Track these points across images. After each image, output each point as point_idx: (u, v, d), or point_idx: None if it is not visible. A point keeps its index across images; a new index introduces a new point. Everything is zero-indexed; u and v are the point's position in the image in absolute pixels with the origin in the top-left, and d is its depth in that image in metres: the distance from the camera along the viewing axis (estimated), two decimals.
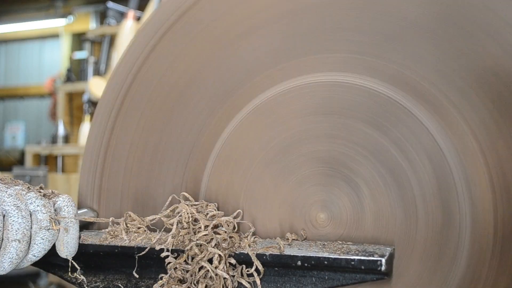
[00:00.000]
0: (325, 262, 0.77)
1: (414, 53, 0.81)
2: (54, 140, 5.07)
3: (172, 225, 0.82)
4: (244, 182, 0.90)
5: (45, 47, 9.28)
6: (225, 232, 0.82)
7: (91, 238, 0.88)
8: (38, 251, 0.79)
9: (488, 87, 0.77)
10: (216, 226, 0.83)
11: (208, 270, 0.79)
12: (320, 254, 0.77)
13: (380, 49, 0.82)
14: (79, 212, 0.88)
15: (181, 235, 0.82)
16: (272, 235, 0.88)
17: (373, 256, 0.75)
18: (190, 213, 0.82)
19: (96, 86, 4.36)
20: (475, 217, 0.78)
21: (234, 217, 0.85)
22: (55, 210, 0.81)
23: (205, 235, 0.80)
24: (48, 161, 5.30)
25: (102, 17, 6.69)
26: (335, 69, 0.85)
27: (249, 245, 0.81)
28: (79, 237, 0.85)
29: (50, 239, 0.79)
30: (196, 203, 0.87)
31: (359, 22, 0.83)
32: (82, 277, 0.87)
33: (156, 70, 0.95)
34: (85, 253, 0.87)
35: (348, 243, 0.82)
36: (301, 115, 0.87)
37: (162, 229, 0.84)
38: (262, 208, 0.89)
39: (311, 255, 0.78)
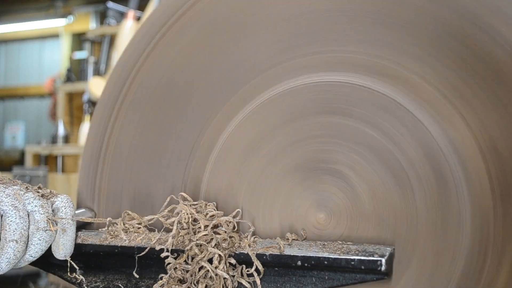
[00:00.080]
0: (325, 262, 0.77)
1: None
2: (54, 140, 5.07)
3: (172, 225, 0.82)
4: (244, 182, 0.90)
5: (45, 47, 9.28)
6: (225, 232, 0.82)
7: (91, 238, 0.87)
8: (35, 251, 0.79)
9: (449, 50, 0.78)
10: (216, 226, 0.83)
11: (208, 270, 0.79)
12: (320, 254, 0.77)
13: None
14: (77, 212, 0.88)
15: (181, 236, 0.82)
16: (272, 235, 0.88)
17: (373, 256, 0.75)
18: (190, 213, 0.82)
19: (96, 86, 4.36)
20: (469, 177, 0.78)
21: (233, 217, 0.85)
22: (53, 210, 0.81)
23: (205, 235, 0.80)
24: (48, 161, 5.30)
25: (102, 17, 6.69)
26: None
27: (249, 245, 0.81)
28: (77, 237, 0.85)
29: (47, 239, 0.79)
30: (195, 203, 0.87)
31: None
32: (81, 277, 0.87)
33: (156, 70, 0.95)
34: (85, 253, 0.87)
35: (348, 243, 0.82)
36: (301, 115, 0.87)
37: (162, 229, 0.84)
38: (262, 208, 0.89)
39: (311, 255, 0.78)
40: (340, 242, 0.83)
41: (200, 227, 0.81)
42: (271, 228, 0.88)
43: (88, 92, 4.66)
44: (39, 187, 0.84)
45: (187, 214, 0.82)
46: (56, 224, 0.80)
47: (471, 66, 0.77)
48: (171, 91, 0.94)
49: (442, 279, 0.79)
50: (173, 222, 0.82)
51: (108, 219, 0.87)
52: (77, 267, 0.84)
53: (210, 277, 0.79)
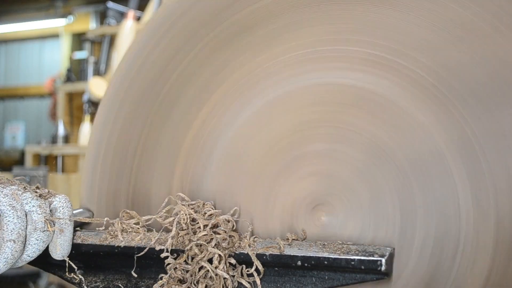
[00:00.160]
0: (325, 262, 0.77)
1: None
2: (54, 140, 5.07)
3: (171, 225, 0.82)
4: (244, 182, 0.90)
5: (45, 47, 9.28)
6: (225, 231, 0.82)
7: (91, 238, 0.87)
8: (32, 251, 0.79)
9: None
10: (215, 226, 0.83)
11: (208, 270, 0.79)
12: (320, 254, 0.77)
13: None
14: (74, 212, 0.88)
15: (180, 236, 0.82)
16: (272, 235, 0.88)
17: (373, 256, 0.75)
18: (188, 214, 0.82)
19: (96, 86, 4.36)
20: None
21: (232, 215, 0.85)
22: (50, 210, 0.81)
23: (204, 235, 0.80)
24: (48, 161, 5.30)
25: (102, 17, 6.69)
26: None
27: (249, 245, 0.81)
28: (75, 237, 0.85)
29: (45, 240, 0.79)
30: (193, 202, 0.87)
31: None
32: (80, 276, 0.87)
33: (155, 70, 0.95)
34: (85, 253, 0.87)
35: (348, 243, 0.82)
36: (301, 114, 0.87)
37: (162, 229, 0.84)
38: (262, 208, 0.89)
39: (311, 255, 0.78)
40: (340, 242, 0.83)
41: (199, 227, 0.81)
42: (270, 228, 0.88)
43: (88, 92, 4.66)
44: (37, 187, 0.84)
45: (186, 214, 0.82)
46: (54, 224, 0.80)
47: None
48: (170, 91, 0.94)
49: None
50: (172, 222, 0.82)
51: (105, 219, 0.87)
52: (75, 267, 0.84)
53: (210, 277, 0.79)
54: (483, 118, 0.77)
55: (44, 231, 0.79)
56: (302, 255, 0.78)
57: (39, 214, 0.78)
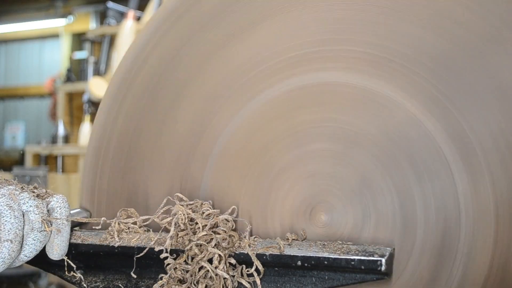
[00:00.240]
0: (325, 262, 0.77)
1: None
2: (54, 140, 5.07)
3: (169, 226, 0.82)
4: (244, 181, 0.90)
5: (45, 47, 9.28)
6: (225, 231, 0.82)
7: (91, 238, 0.87)
8: (29, 251, 0.79)
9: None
10: (215, 225, 0.83)
11: (208, 270, 0.79)
12: (320, 254, 0.77)
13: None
14: (72, 212, 0.88)
15: (180, 237, 0.82)
16: (272, 235, 0.88)
17: (373, 256, 0.75)
18: (186, 214, 0.82)
19: (96, 86, 4.36)
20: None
21: (230, 214, 0.85)
22: (48, 210, 0.81)
23: (204, 235, 0.80)
24: (48, 161, 5.30)
25: (102, 17, 6.69)
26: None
27: (249, 245, 0.81)
28: (72, 237, 0.85)
29: (42, 240, 0.79)
30: (191, 202, 0.87)
31: None
32: (79, 275, 0.87)
33: (155, 70, 0.95)
34: (85, 253, 0.87)
35: (348, 243, 0.82)
36: (302, 114, 0.87)
37: (162, 230, 0.84)
38: (262, 208, 0.89)
39: (311, 255, 0.78)
40: (340, 242, 0.83)
41: (198, 227, 0.81)
42: (271, 228, 0.88)
43: (88, 92, 4.66)
44: (34, 187, 0.84)
45: (184, 214, 0.82)
46: (51, 224, 0.80)
47: None
48: (170, 91, 0.94)
49: None
50: (170, 222, 0.82)
51: (102, 219, 0.87)
52: (74, 266, 0.84)
53: (210, 277, 0.79)
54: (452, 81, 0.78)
55: (41, 231, 0.79)
56: (302, 255, 0.78)
57: (36, 214, 0.78)
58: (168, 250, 0.81)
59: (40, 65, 9.31)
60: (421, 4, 0.80)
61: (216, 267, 0.79)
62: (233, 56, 0.91)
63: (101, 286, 0.88)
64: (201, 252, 0.80)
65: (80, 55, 6.84)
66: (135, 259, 0.83)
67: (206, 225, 0.81)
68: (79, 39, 7.70)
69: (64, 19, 8.03)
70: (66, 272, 0.86)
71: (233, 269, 0.81)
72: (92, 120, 4.50)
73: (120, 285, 0.88)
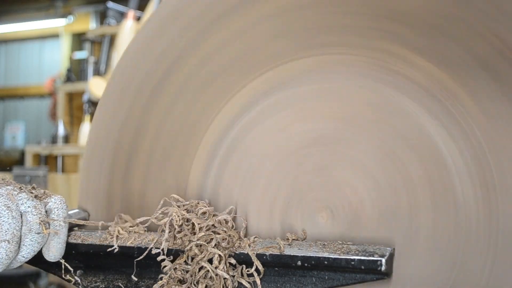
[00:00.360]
0: (325, 262, 0.77)
1: None
2: (54, 140, 5.07)
3: (164, 228, 0.82)
4: (244, 182, 0.90)
5: (45, 47, 9.28)
6: (225, 231, 0.82)
7: (91, 238, 0.87)
8: (27, 252, 0.78)
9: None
10: (213, 225, 0.83)
11: (208, 270, 0.79)
12: (320, 254, 0.77)
13: None
14: (70, 212, 0.87)
15: (179, 238, 0.82)
16: (272, 235, 0.88)
17: (373, 256, 0.75)
18: (181, 215, 0.82)
19: (96, 86, 4.36)
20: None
21: (228, 213, 0.85)
22: (46, 211, 0.81)
23: (204, 235, 0.80)
24: (48, 161, 5.30)
25: (102, 17, 6.69)
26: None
27: (249, 245, 0.81)
28: (74, 237, 0.85)
29: (40, 241, 0.79)
30: (186, 203, 0.87)
31: None
32: (76, 278, 0.87)
33: (155, 70, 0.95)
34: (85, 253, 0.87)
35: (348, 243, 0.82)
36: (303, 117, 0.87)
37: (160, 230, 0.84)
38: (262, 208, 0.89)
39: (311, 255, 0.77)
40: (340, 242, 0.83)
41: (197, 228, 0.81)
42: (271, 228, 0.88)
43: (88, 92, 4.66)
44: (33, 187, 0.84)
45: (178, 215, 0.82)
46: (49, 225, 0.80)
47: None
48: (170, 91, 0.94)
49: None
50: (165, 224, 0.82)
51: (100, 222, 0.86)
52: (71, 269, 0.84)
53: (210, 277, 0.79)
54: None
55: (39, 233, 0.78)
56: (302, 255, 0.78)
57: (34, 215, 0.78)
58: (165, 252, 0.81)
59: (40, 65, 9.30)
60: None
61: (216, 267, 0.79)
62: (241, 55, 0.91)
63: (101, 286, 0.88)
64: (201, 252, 0.80)
65: (80, 55, 6.84)
66: (135, 262, 0.83)
67: (202, 227, 0.81)
68: (79, 39, 7.70)
69: (64, 19, 8.03)
70: (63, 275, 0.86)
71: (233, 269, 0.81)
72: (92, 120, 4.50)
73: (120, 285, 0.87)
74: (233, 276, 0.80)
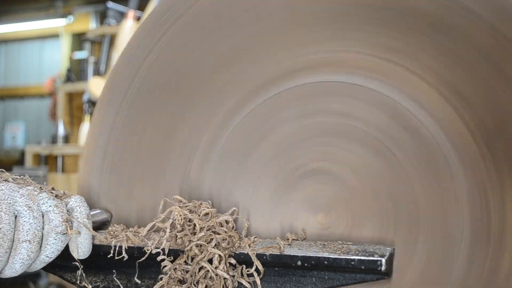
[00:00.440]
0: (325, 262, 0.77)
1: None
2: (54, 140, 5.08)
3: (166, 228, 0.82)
4: (244, 181, 0.90)
5: (45, 47, 9.28)
6: (225, 231, 0.82)
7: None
8: (51, 251, 0.78)
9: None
10: (215, 225, 0.83)
11: (208, 271, 0.79)
12: (320, 254, 0.77)
13: None
14: (92, 213, 0.87)
15: (180, 238, 0.82)
16: (272, 235, 0.88)
17: (373, 256, 0.75)
18: (183, 215, 0.82)
19: (96, 86, 4.36)
20: (444, 126, 0.79)
21: (230, 214, 0.85)
22: (67, 211, 0.81)
23: (204, 235, 0.80)
24: (48, 161, 5.31)
25: (102, 17, 6.69)
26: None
27: (249, 245, 0.81)
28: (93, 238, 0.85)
29: (63, 239, 0.79)
30: (189, 203, 0.87)
31: None
32: (89, 286, 0.87)
33: (156, 70, 0.95)
34: None
35: (348, 243, 0.82)
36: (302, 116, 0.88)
37: (161, 231, 0.84)
38: (263, 208, 0.89)
39: (311, 255, 0.78)
40: (340, 242, 0.83)
41: (196, 228, 0.81)
42: (271, 228, 0.88)
43: (88, 92, 4.66)
44: (52, 188, 0.84)
45: (180, 215, 0.82)
46: (72, 223, 0.80)
47: None
48: (170, 92, 0.94)
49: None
50: (167, 225, 0.82)
51: (104, 232, 0.86)
52: (83, 273, 0.83)
53: (210, 277, 0.79)
54: None
55: (62, 232, 0.78)
56: (302, 255, 0.78)
57: (56, 213, 0.78)
58: (166, 252, 0.81)
59: (40, 65, 9.31)
60: None
61: (216, 267, 0.79)
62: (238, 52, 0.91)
63: (101, 286, 0.88)
64: (201, 253, 0.80)
65: (80, 55, 6.85)
66: (137, 263, 0.83)
67: (203, 227, 0.81)
68: (79, 39, 7.70)
69: (64, 19, 8.04)
70: (78, 282, 0.86)
71: (233, 269, 0.81)
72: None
73: (120, 285, 0.87)
74: (233, 276, 0.80)
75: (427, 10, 0.78)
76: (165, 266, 0.82)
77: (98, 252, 0.86)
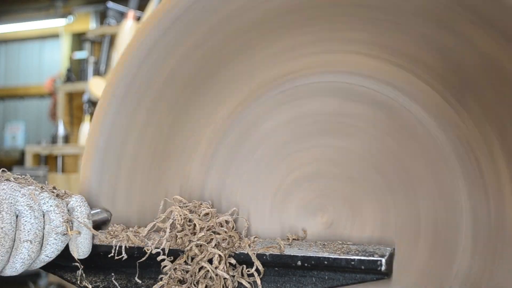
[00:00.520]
0: (325, 262, 0.77)
1: None
2: (54, 140, 5.08)
3: (166, 228, 0.82)
4: (244, 181, 0.90)
5: (45, 47, 9.28)
6: (225, 231, 0.82)
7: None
8: (51, 251, 0.78)
9: None
10: (215, 225, 0.83)
11: (208, 271, 0.79)
12: (320, 254, 0.77)
13: None
14: (92, 212, 0.87)
15: (180, 238, 0.82)
16: (272, 235, 0.88)
17: (373, 256, 0.75)
18: (183, 215, 0.82)
19: (96, 86, 4.36)
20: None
21: (230, 215, 0.85)
22: (68, 210, 0.81)
23: (204, 235, 0.80)
24: (48, 161, 5.31)
25: (102, 17, 6.69)
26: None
27: (249, 245, 0.81)
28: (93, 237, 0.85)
29: (63, 239, 0.79)
30: (189, 203, 0.87)
31: None
32: (89, 286, 0.87)
33: (157, 71, 0.95)
34: None
35: (348, 243, 0.82)
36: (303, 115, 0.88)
37: (161, 231, 0.84)
38: (263, 208, 0.89)
39: (311, 255, 0.78)
40: (340, 242, 0.83)
41: (198, 228, 0.81)
42: (271, 228, 0.88)
43: (88, 92, 4.66)
44: (53, 187, 0.84)
45: (180, 215, 0.82)
46: (72, 223, 0.80)
47: None
48: (172, 92, 0.94)
49: None
50: (167, 225, 0.82)
51: (103, 234, 0.86)
52: (83, 274, 0.83)
53: (210, 277, 0.79)
54: None
55: (63, 232, 0.78)
56: (302, 255, 0.78)
57: (57, 213, 0.78)
58: (166, 252, 0.81)
59: (40, 65, 9.30)
60: None
61: (216, 267, 0.79)
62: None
63: (101, 286, 0.88)
64: (201, 253, 0.80)
65: (80, 55, 6.84)
66: (137, 263, 0.83)
67: (203, 227, 0.81)
68: (79, 39, 7.70)
69: (64, 19, 8.03)
70: (78, 282, 0.86)
71: (233, 269, 0.81)
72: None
73: (120, 285, 0.87)
74: (233, 276, 0.80)
75: None
76: (165, 266, 0.82)
77: (98, 252, 0.86)
